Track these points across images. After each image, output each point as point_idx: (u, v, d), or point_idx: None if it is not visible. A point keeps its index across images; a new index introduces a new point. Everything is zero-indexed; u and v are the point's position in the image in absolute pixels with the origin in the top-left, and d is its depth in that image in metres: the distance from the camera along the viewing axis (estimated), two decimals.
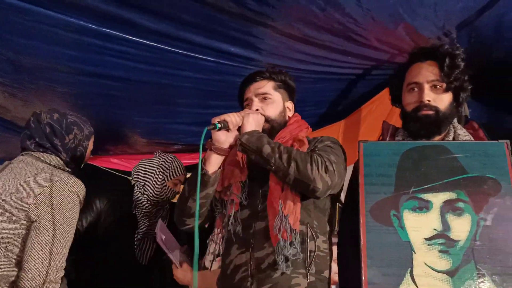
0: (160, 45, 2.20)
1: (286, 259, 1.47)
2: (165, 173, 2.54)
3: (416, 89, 1.55)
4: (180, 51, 2.29)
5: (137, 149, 3.58)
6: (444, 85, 1.54)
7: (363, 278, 1.21)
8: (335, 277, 3.09)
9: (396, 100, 1.66)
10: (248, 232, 1.58)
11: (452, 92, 1.56)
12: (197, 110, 2.95)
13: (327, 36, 2.28)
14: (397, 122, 1.96)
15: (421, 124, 1.51)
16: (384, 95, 3.04)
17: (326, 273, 1.57)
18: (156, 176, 2.52)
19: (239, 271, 1.54)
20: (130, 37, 2.09)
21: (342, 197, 3.22)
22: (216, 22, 2.12)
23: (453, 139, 1.52)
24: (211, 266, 1.96)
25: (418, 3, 1.99)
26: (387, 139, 1.60)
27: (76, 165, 2.04)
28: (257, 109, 1.79)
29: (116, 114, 2.81)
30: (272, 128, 1.79)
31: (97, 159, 3.64)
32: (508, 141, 1.36)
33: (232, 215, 1.63)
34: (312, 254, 1.52)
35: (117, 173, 3.73)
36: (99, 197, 2.49)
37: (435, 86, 1.54)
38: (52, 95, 2.43)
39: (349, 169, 3.17)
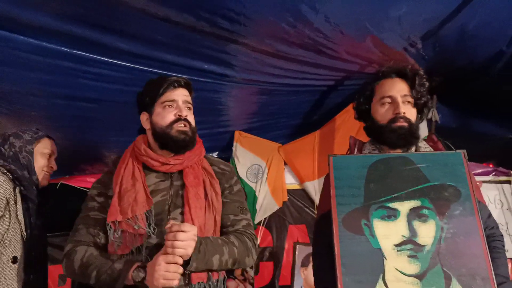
0: (134, 65, 2.22)
1: None
2: None
3: (388, 103, 1.62)
4: (154, 70, 2.31)
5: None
6: (413, 101, 1.63)
7: (339, 286, 1.25)
8: None
9: (363, 114, 1.71)
10: None
11: (417, 108, 1.65)
12: None
13: (298, 50, 2.35)
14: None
15: (398, 135, 1.57)
16: None
17: None
18: None
19: None
20: (103, 59, 2.10)
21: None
22: (188, 41, 2.16)
23: (415, 151, 1.61)
24: None
25: (384, 17, 2.07)
26: (355, 153, 1.66)
27: (28, 170, 2.00)
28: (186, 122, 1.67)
29: (92, 134, 2.80)
30: (193, 138, 1.70)
31: (73, 178, 3.60)
32: (465, 151, 1.45)
33: (141, 247, 1.54)
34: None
35: None
36: None
37: (405, 101, 1.62)
38: (26, 119, 2.42)
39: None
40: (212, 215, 1.63)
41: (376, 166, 1.42)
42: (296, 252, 3.29)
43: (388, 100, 1.62)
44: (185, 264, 1.46)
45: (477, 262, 1.29)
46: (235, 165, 3.36)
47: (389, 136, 1.57)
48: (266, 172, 3.37)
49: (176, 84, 1.70)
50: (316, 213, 3.27)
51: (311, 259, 3.20)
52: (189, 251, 1.45)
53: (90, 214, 1.65)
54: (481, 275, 1.27)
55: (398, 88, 1.64)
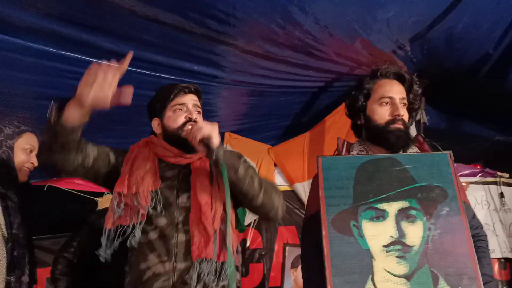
0: None
1: (205, 275, 1.52)
2: None
3: (388, 104, 1.63)
4: (142, 71, 2.30)
5: None
6: (407, 105, 1.65)
7: (328, 287, 1.25)
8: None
9: (357, 111, 1.70)
10: (169, 242, 1.56)
11: (409, 112, 1.67)
12: None
13: (288, 52, 2.35)
14: None
15: (397, 136, 1.58)
16: None
17: (234, 286, 1.57)
18: None
19: (159, 279, 1.52)
20: (91, 59, 2.08)
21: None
22: (178, 41, 2.14)
23: (402, 152, 1.61)
24: None
25: (372, 19, 2.08)
26: (343, 154, 1.66)
27: (8, 165, 1.95)
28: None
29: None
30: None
31: (61, 181, 3.56)
32: (450, 152, 1.47)
33: (138, 224, 1.56)
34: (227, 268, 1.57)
35: (82, 194, 3.67)
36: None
37: (403, 103, 1.63)
38: (11, 120, 2.37)
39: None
40: (219, 202, 1.63)
41: (365, 167, 1.43)
42: (286, 254, 3.29)
43: (388, 100, 1.63)
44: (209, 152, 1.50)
45: (463, 262, 1.30)
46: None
47: (389, 137, 1.58)
48: None
49: (186, 90, 1.76)
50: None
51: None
52: (215, 130, 1.52)
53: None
54: (468, 274, 1.29)
55: (397, 90, 1.65)
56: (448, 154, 1.45)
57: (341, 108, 3.18)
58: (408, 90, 1.68)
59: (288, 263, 3.28)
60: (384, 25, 2.11)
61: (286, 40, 2.24)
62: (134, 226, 1.57)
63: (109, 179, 1.67)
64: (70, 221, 3.10)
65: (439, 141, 2.62)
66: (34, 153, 2.07)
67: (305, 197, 3.30)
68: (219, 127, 3.68)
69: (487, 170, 3.20)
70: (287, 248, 3.30)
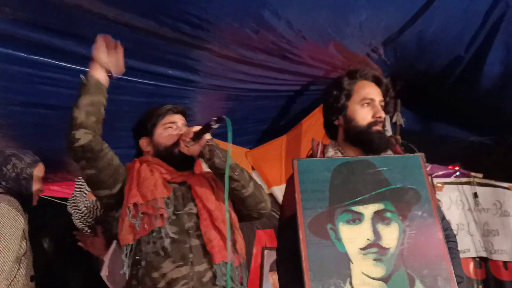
0: None
1: (224, 276, 1.57)
2: (81, 189, 2.53)
3: (369, 105, 1.64)
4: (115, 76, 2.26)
5: (77, 174, 3.46)
6: (384, 107, 1.67)
7: None
8: None
9: (335, 112, 1.69)
10: (183, 247, 1.60)
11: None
12: None
13: (263, 56, 2.35)
14: None
15: (380, 138, 1.60)
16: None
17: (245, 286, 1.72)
18: (77, 198, 2.50)
19: (178, 284, 1.55)
20: (63, 64, 2.04)
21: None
22: (151, 46, 2.13)
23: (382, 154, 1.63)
24: None
25: (345, 24, 2.10)
26: (318, 156, 1.66)
27: (25, 191, 2.06)
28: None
29: (52, 142, 2.70)
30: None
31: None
32: (423, 154, 1.49)
33: (161, 229, 1.60)
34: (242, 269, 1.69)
35: (57, 201, 3.60)
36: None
37: (380, 106, 1.65)
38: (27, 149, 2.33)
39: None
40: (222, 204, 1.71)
41: (340, 169, 1.43)
42: (265, 257, 3.28)
43: (369, 102, 1.64)
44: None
45: (438, 263, 1.32)
46: None
47: (372, 138, 1.59)
48: None
49: (175, 110, 1.88)
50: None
51: None
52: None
53: None
54: (442, 275, 1.30)
55: (377, 92, 1.67)
56: (420, 156, 1.47)
57: (318, 111, 3.20)
58: (385, 94, 1.70)
59: (266, 267, 3.26)
60: (357, 28, 2.14)
61: (261, 44, 2.24)
62: (153, 232, 1.59)
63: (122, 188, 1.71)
64: None
65: (416, 142, 2.66)
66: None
67: None
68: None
69: (461, 170, 3.26)
70: (265, 251, 3.28)
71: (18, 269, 1.88)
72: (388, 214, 1.35)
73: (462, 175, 3.26)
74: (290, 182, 1.61)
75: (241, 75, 2.57)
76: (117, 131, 2.83)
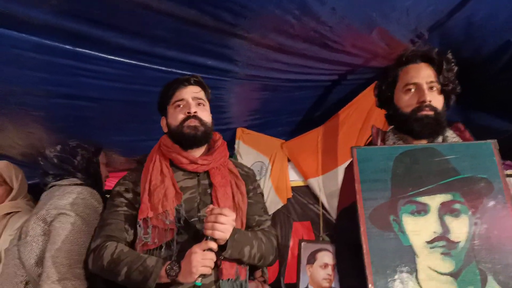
0: (135, 62, 2.17)
1: None
2: None
3: (413, 90, 1.55)
4: (156, 67, 2.26)
5: (115, 167, 3.51)
6: (439, 87, 1.56)
7: (370, 285, 1.19)
8: (323, 283, 3.13)
9: (385, 102, 1.64)
10: None
11: (444, 95, 1.58)
12: None
13: (302, 44, 2.29)
14: (376, 124, 1.96)
15: (423, 124, 1.50)
16: (361, 99, 3.09)
17: None
18: None
19: None
20: (104, 56, 2.05)
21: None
22: (191, 36, 2.10)
23: (442, 141, 1.54)
24: None
25: (391, 8, 2.03)
26: (378, 144, 1.59)
27: (96, 180, 2.13)
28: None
29: (93, 134, 2.74)
30: (206, 132, 1.74)
31: None
32: (495, 141, 1.38)
33: (171, 242, 1.56)
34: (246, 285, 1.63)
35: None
36: None
37: (432, 87, 1.54)
38: (26, 119, 2.36)
39: (332, 175, 3.21)
40: (239, 216, 1.64)
41: (402, 158, 1.36)
42: (301, 250, 3.24)
43: (413, 87, 1.55)
44: (219, 251, 1.49)
45: None
46: None
47: (414, 125, 1.50)
48: (269, 169, 3.32)
49: (186, 83, 1.76)
50: (319, 209, 3.24)
51: (317, 256, 3.18)
52: (227, 235, 1.47)
53: (119, 210, 1.65)
54: None
55: (424, 75, 1.56)
56: (492, 143, 1.37)
57: (355, 102, 3.13)
58: (438, 71, 1.57)
59: (303, 259, 3.23)
60: (403, 13, 2.06)
61: (302, 32, 2.18)
62: (168, 244, 1.55)
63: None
64: None
65: None
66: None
67: (319, 192, 3.26)
68: (230, 123, 3.66)
69: (508, 162, 3.14)
70: (302, 244, 3.25)
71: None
72: (456, 206, 1.28)
73: (508, 167, 3.13)
74: (348, 171, 1.56)
75: (279, 64, 2.52)
76: (153, 123, 2.83)
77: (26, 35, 1.78)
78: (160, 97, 1.84)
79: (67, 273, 1.70)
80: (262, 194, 1.87)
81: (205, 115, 1.74)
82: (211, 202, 1.62)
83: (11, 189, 2.50)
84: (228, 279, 1.53)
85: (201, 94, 1.77)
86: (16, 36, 1.77)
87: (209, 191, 1.66)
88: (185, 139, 1.68)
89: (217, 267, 1.53)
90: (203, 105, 1.76)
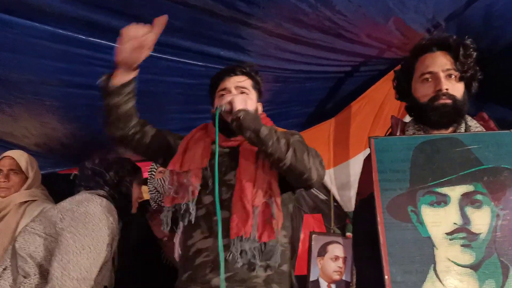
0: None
1: (246, 252, 1.51)
2: (151, 171, 2.69)
3: (430, 79, 1.51)
4: (168, 57, 2.25)
5: (134, 157, 3.52)
6: (458, 74, 1.52)
7: (386, 277, 1.17)
8: (333, 275, 3.13)
9: (403, 93, 1.61)
10: (212, 219, 1.58)
11: (464, 82, 1.55)
12: (187, 116, 2.91)
13: (316, 34, 2.27)
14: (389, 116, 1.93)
15: (441, 113, 1.47)
16: (373, 91, 3.05)
17: (285, 267, 1.61)
18: (149, 180, 2.54)
19: (201, 255, 1.56)
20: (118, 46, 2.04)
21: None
22: (204, 25, 2.09)
23: (465, 130, 1.50)
24: None
25: None
26: (397, 134, 1.56)
27: (126, 199, 2.07)
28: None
29: None
30: None
31: None
32: None
33: (191, 201, 1.61)
34: (272, 248, 1.57)
35: None
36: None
37: (449, 75, 1.51)
38: (40, 108, 2.36)
39: (343, 167, 3.19)
40: (266, 176, 1.62)
41: (422, 148, 1.33)
42: (312, 242, 3.24)
43: (429, 76, 1.52)
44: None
45: None
46: None
47: (431, 115, 1.47)
48: None
49: (231, 74, 1.81)
50: (331, 201, 3.24)
51: (327, 248, 3.17)
52: (243, 106, 1.57)
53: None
54: None
55: (440, 63, 1.53)
56: None
57: (368, 94, 3.10)
58: (456, 58, 1.53)
59: (314, 252, 3.23)
60: (421, 2, 2.02)
61: (317, 22, 2.16)
62: (186, 205, 1.61)
63: (167, 159, 1.78)
64: None
65: None
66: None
67: (330, 185, 3.25)
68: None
69: None
70: (313, 236, 3.25)
71: (100, 278, 1.81)
72: (478, 197, 1.25)
73: None
74: (367, 162, 1.54)
75: (292, 55, 2.50)
76: (165, 113, 2.84)
77: (41, 24, 1.78)
78: (210, 86, 1.91)
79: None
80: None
81: (250, 104, 1.70)
82: (235, 174, 1.64)
83: (26, 178, 2.51)
84: (240, 237, 1.52)
85: (245, 83, 1.80)
86: (31, 25, 1.77)
87: (237, 158, 1.68)
88: (226, 126, 1.67)
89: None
90: (247, 94, 1.79)
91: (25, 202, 2.41)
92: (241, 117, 1.52)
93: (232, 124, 1.57)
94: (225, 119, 1.64)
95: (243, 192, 1.57)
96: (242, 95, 1.67)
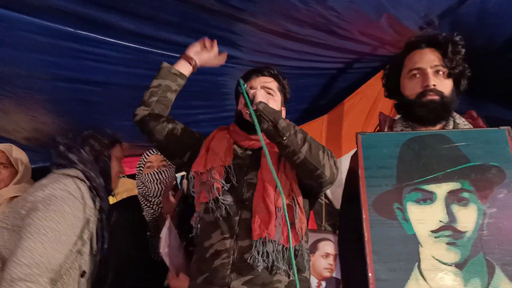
0: (139, 46, 2.15)
1: (268, 255, 1.47)
2: (139, 166, 2.56)
3: (418, 75, 1.51)
4: (160, 52, 2.24)
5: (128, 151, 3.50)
6: (446, 71, 1.51)
7: (370, 274, 1.16)
8: (324, 272, 3.12)
9: (392, 91, 1.61)
10: (233, 219, 1.56)
11: (453, 79, 1.54)
12: (180, 111, 2.88)
13: (309, 30, 2.26)
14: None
15: (428, 110, 1.46)
16: (366, 88, 3.05)
17: (307, 274, 1.58)
18: (138, 176, 2.50)
19: (220, 256, 1.51)
20: (108, 39, 2.03)
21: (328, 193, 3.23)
22: (196, 20, 2.08)
23: (453, 128, 1.50)
24: None
25: None
26: (385, 131, 1.55)
27: (105, 175, 1.93)
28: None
29: (96, 119, 2.72)
30: None
31: None
32: (509, 127, 1.33)
33: (213, 200, 1.59)
34: (296, 253, 1.54)
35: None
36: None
37: (437, 71, 1.50)
38: (31, 102, 2.34)
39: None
40: (288, 178, 1.61)
41: (410, 144, 1.32)
42: None
43: (417, 72, 1.51)
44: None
45: None
46: None
47: (419, 111, 1.46)
48: None
49: (259, 74, 1.85)
50: (322, 198, 3.23)
51: (318, 245, 3.16)
52: (259, 93, 1.57)
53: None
54: None
55: (428, 59, 1.53)
56: (506, 130, 1.32)
57: (361, 91, 3.09)
58: (444, 54, 1.53)
59: None
60: None
61: (308, 18, 2.15)
62: (208, 202, 1.60)
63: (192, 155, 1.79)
64: None
65: None
66: (121, 162, 2.10)
67: None
68: (234, 110, 3.63)
69: None
70: None
71: (73, 263, 1.70)
72: (465, 194, 1.24)
73: None
74: (354, 159, 1.53)
75: (284, 51, 2.49)
76: None
77: (31, 17, 1.77)
78: (236, 85, 1.91)
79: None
80: None
81: (272, 105, 1.66)
82: (257, 174, 1.64)
83: (16, 172, 2.48)
84: (263, 239, 1.48)
85: (271, 84, 1.83)
86: (21, 18, 1.75)
87: (259, 159, 1.68)
88: (247, 124, 1.68)
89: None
90: (272, 95, 1.80)
91: (15, 197, 2.37)
92: (261, 108, 1.50)
93: (249, 118, 1.55)
94: (245, 118, 1.63)
95: (265, 191, 1.55)
96: (265, 93, 1.65)
